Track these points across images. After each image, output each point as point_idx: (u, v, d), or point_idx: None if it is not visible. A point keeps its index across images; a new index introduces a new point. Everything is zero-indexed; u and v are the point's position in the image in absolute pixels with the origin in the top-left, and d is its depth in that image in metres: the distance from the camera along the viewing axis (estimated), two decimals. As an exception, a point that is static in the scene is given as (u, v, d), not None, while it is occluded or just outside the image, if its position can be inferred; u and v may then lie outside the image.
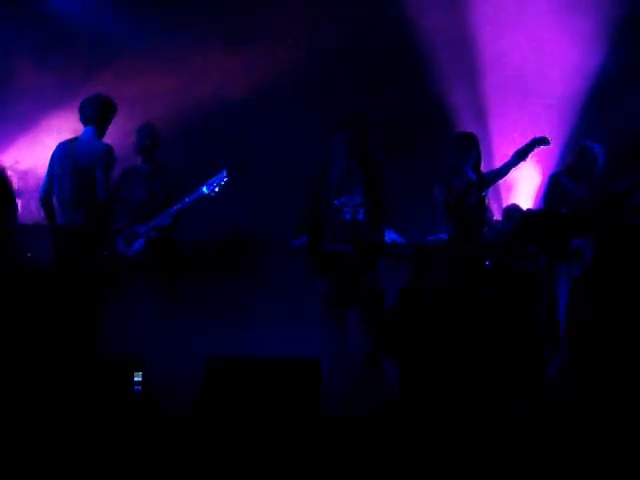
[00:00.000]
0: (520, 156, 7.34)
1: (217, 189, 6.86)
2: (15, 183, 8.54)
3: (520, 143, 7.59)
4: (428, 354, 6.58)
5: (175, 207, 6.99)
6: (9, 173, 6.78)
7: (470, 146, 7.38)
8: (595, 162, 7.54)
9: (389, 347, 6.42)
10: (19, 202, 7.90)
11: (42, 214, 7.92)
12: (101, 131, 6.85)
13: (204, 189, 6.87)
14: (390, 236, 6.70)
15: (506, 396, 6.02)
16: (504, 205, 8.88)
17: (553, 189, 7.66)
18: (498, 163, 8.09)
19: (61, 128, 8.94)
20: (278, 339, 6.91)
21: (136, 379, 5.70)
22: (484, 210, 7.43)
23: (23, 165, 8.99)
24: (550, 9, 8.88)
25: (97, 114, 6.76)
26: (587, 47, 8.78)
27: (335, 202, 6.48)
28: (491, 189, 7.78)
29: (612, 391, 5.89)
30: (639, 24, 8.85)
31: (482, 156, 7.45)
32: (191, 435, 5.07)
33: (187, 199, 6.93)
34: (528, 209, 7.96)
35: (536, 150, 7.45)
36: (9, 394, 5.10)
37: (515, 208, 8.30)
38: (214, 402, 5.22)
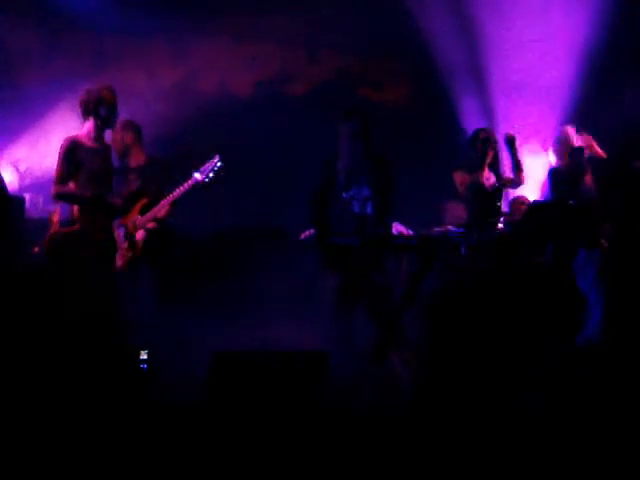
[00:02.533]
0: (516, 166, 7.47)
1: (211, 174, 6.85)
2: (16, 181, 8.57)
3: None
4: (435, 347, 6.59)
5: (170, 196, 6.98)
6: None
7: (488, 142, 7.41)
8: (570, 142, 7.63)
9: (396, 341, 6.41)
10: (27, 196, 7.93)
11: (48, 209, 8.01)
12: (101, 123, 6.61)
13: (197, 175, 6.85)
14: (397, 228, 6.70)
15: (512, 390, 6.02)
16: (510, 197, 8.87)
17: (556, 183, 7.69)
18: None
19: (65, 124, 8.96)
20: (284, 333, 6.90)
21: (142, 357, 5.72)
22: (499, 204, 7.46)
23: (27, 162, 8.98)
24: (555, 10, 8.88)
25: (80, 111, 6.70)
26: (591, 46, 8.79)
27: (343, 195, 6.50)
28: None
29: (616, 386, 5.89)
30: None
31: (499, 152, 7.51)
32: (197, 429, 5.07)
33: (181, 188, 6.90)
34: (535, 200, 7.95)
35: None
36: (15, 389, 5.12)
37: (522, 200, 8.30)
38: (220, 396, 5.22)
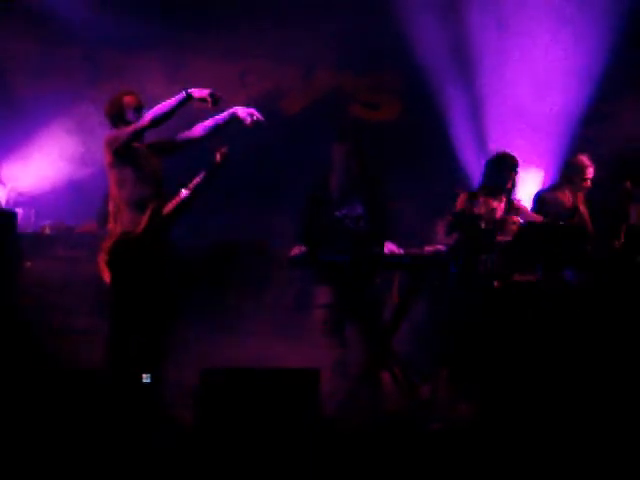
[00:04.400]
0: None
1: (198, 189, 6.71)
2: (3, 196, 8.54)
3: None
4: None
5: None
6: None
7: (508, 167, 7.25)
8: (584, 171, 7.59)
9: (387, 358, 6.43)
10: (20, 211, 7.89)
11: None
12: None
13: (183, 191, 6.72)
14: (388, 247, 6.69)
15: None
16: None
17: (540, 207, 7.63)
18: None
19: (59, 139, 8.99)
20: (274, 350, 6.91)
21: (145, 381, 5.65)
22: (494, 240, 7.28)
23: (20, 177, 8.94)
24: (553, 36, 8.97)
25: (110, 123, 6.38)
26: (588, 71, 8.87)
27: (336, 213, 6.53)
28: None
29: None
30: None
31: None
32: (187, 446, 5.07)
33: (169, 205, 6.73)
34: (525, 220, 7.91)
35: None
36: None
37: (512, 220, 8.26)
38: (209, 413, 5.21)
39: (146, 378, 5.61)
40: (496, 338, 6.38)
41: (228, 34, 9.15)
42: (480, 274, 6.68)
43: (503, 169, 7.20)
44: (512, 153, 7.38)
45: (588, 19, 8.83)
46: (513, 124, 9.04)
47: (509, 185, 7.20)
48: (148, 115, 5.99)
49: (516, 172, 7.22)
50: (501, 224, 7.07)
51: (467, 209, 7.12)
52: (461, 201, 7.23)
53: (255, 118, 6.08)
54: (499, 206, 7.12)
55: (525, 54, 9.02)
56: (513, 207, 7.20)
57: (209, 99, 6.03)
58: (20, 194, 8.63)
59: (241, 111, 6.11)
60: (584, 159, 7.61)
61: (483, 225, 6.92)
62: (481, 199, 7.18)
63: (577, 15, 8.87)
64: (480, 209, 7.09)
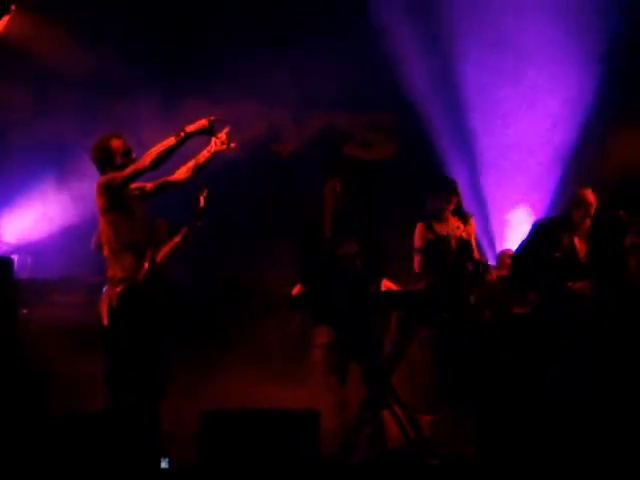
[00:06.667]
0: None
1: (189, 234, 6.72)
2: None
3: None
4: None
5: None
6: None
7: (450, 190, 7.24)
8: (587, 208, 7.42)
9: (387, 396, 6.40)
10: (15, 258, 7.86)
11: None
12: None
13: (175, 236, 6.74)
14: (385, 284, 6.71)
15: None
16: (497, 250, 8.95)
17: (538, 236, 7.57)
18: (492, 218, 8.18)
19: (49, 188, 9.02)
20: (274, 391, 6.88)
21: (163, 465, 5.52)
22: (467, 255, 7.18)
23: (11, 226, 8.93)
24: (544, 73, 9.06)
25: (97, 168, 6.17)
26: (577, 97, 8.94)
27: (333, 252, 6.53)
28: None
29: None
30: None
31: (462, 200, 7.36)
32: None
33: (164, 249, 6.69)
34: (517, 253, 7.83)
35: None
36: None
37: (509, 254, 8.28)
38: (210, 456, 5.19)
39: (164, 463, 5.51)
40: (496, 372, 6.37)
41: (218, 79, 9.19)
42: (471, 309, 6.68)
43: (441, 192, 7.20)
44: (448, 177, 7.55)
45: (579, 49, 8.91)
46: (506, 160, 9.11)
47: (452, 207, 7.18)
48: (148, 157, 5.82)
49: (456, 193, 7.21)
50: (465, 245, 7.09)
51: (428, 239, 7.11)
52: (419, 233, 7.16)
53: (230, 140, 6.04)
54: (460, 225, 7.13)
55: (519, 89, 9.10)
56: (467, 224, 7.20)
57: (208, 127, 5.97)
58: (7, 244, 8.60)
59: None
60: (589, 195, 7.25)
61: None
62: (436, 226, 7.14)
63: (568, 47, 8.95)
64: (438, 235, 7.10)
